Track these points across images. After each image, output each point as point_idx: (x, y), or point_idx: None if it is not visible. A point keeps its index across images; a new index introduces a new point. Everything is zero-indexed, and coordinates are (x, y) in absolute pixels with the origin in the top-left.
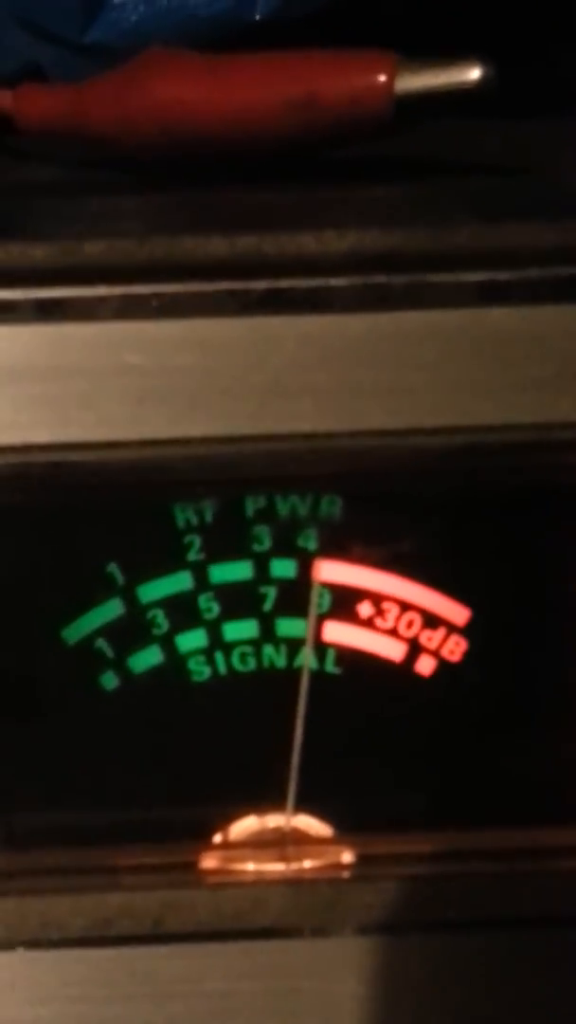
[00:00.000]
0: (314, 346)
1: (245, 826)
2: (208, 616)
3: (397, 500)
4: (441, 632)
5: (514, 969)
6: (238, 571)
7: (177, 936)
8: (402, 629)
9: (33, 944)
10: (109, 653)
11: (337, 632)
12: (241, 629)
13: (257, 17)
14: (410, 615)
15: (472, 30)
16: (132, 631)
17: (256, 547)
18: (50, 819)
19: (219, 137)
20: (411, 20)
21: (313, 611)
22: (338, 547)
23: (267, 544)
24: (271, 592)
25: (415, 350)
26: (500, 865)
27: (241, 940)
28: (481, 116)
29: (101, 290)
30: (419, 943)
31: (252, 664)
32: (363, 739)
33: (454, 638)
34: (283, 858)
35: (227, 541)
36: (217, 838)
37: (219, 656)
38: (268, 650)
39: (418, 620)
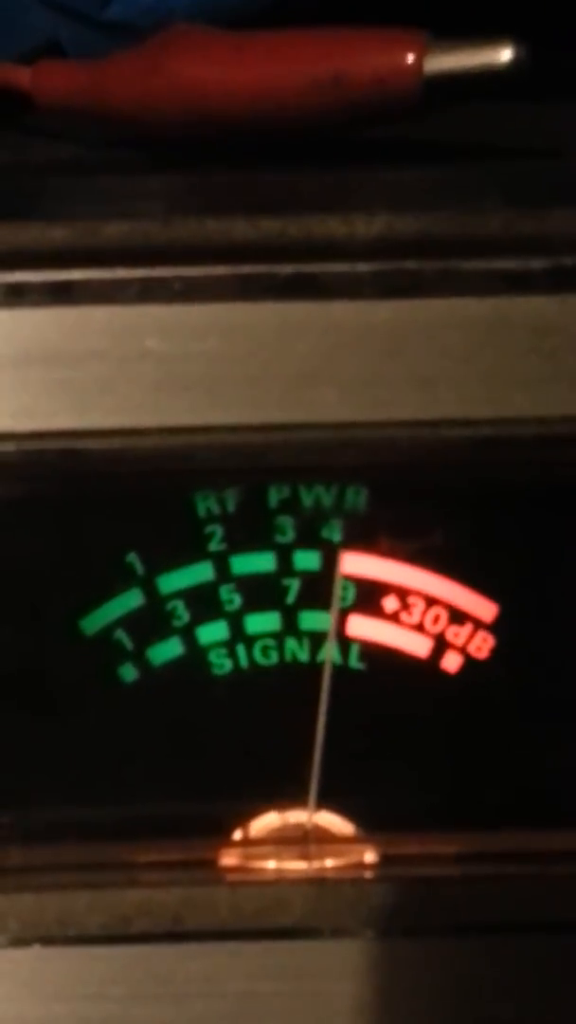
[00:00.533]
0: (341, 333)
1: (266, 823)
2: (229, 608)
3: (424, 492)
4: (468, 628)
5: (544, 973)
6: (261, 562)
7: (196, 935)
8: (428, 624)
9: (50, 941)
10: (128, 645)
11: (361, 626)
12: (263, 622)
13: None
14: (436, 610)
15: (503, 11)
16: (152, 622)
17: (279, 538)
18: (67, 814)
19: (242, 117)
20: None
21: (336, 604)
22: (363, 539)
23: (291, 535)
24: (294, 584)
25: (445, 338)
26: (528, 867)
27: (261, 940)
28: (513, 99)
29: (121, 273)
30: (443, 946)
31: (274, 657)
32: (387, 736)
33: (481, 634)
34: (305, 856)
35: (250, 532)
36: (237, 835)
37: (240, 649)
38: (291, 643)
39: (444, 615)
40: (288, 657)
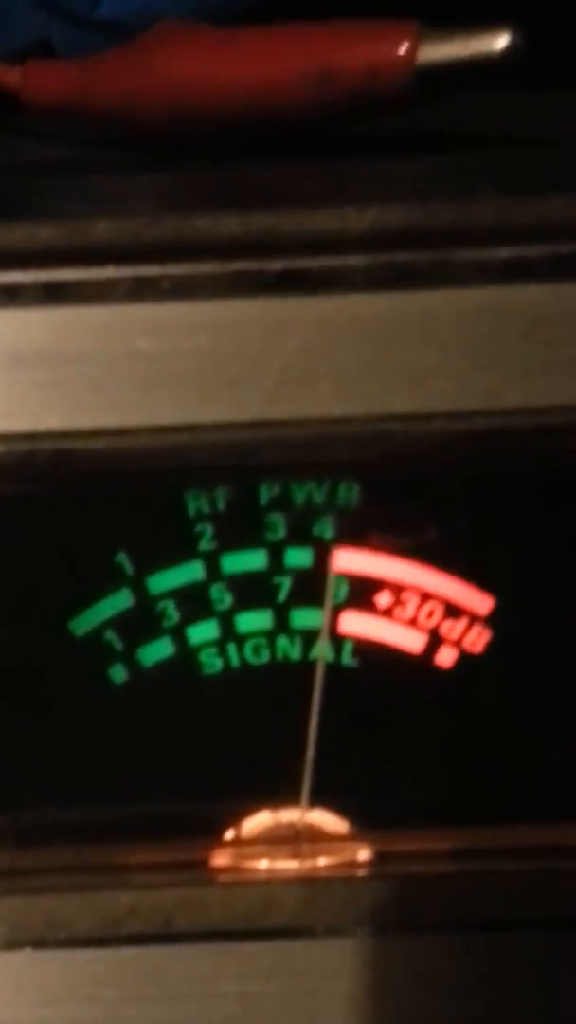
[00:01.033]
0: (332, 328)
1: (258, 822)
2: (220, 607)
3: (418, 487)
4: (463, 622)
5: (537, 970)
6: (251, 561)
7: (188, 936)
8: (422, 619)
9: (40, 944)
10: (118, 645)
11: (354, 623)
12: (254, 620)
13: None
14: (431, 605)
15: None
16: (142, 623)
17: (270, 536)
18: (58, 816)
19: (232, 113)
20: None
21: (329, 601)
22: (356, 535)
23: (282, 533)
24: (286, 582)
25: (439, 330)
26: (522, 863)
27: (254, 940)
28: (506, 89)
29: (110, 272)
30: (437, 943)
31: (266, 656)
32: (380, 733)
33: (476, 628)
34: (297, 855)
35: (240, 530)
36: (229, 835)
37: (232, 648)
38: (282, 642)
39: (439, 610)
40: (280, 656)
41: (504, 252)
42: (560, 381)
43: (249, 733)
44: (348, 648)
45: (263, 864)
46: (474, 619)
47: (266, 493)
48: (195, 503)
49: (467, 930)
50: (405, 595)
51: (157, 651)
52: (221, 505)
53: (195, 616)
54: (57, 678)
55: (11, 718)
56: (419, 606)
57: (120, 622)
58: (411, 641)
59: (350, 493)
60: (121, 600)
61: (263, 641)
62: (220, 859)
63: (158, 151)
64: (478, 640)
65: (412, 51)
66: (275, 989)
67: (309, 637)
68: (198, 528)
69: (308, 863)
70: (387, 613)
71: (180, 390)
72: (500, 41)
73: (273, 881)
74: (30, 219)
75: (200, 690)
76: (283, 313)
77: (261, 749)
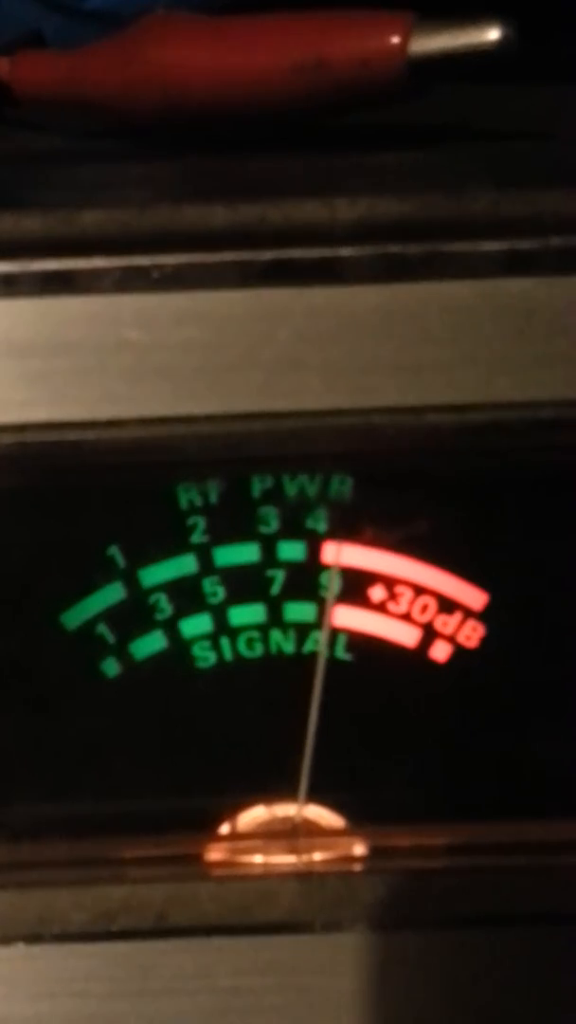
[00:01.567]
0: (323, 319)
1: (253, 816)
2: (213, 600)
3: (411, 480)
4: (457, 617)
5: (532, 966)
6: (244, 554)
7: (182, 931)
8: (416, 614)
9: (34, 939)
10: (110, 639)
11: (348, 617)
12: (248, 614)
13: None
14: (425, 599)
15: None
16: (134, 616)
17: (263, 529)
18: (51, 810)
19: (223, 103)
20: None
21: (325, 595)
22: (349, 529)
23: (274, 526)
24: (279, 575)
25: (431, 323)
26: (517, 859)
27: (249, 935)
28: (500, 82)
29: (99, 262)
30: (433, 939)
31: (259, 650)
32: (375, 727)
33: (471, 623)
34: (293, 850)
35: (233, 523)
36: (224, 829)
37: (225, 642)
38: (276, 635)
39: (433, 604)
40: (273, 649)
41: (495, 245)
42: (552, 374)
43: (243, 727)
44: (342, 642)
45: (258, 859)
46: (468, 614)
47: (259, 486)
48: (187, 496)
49: (463, 925)
50: (399, 589)
51: (150, 644)
52: (213, 498)
53: (188, 609)
54: (49, 672)
55: (3, 712)
56: (413, 600)
57: (112, 615)
58: (405, 635)
59: (343, 486)
60: (113, 593)
61: (256, 635)
62: (215, 854)
63: (149, 141)
64: (472, 635)
65: (404, 42)
66: (270, 984)
67: (303, 631)
68: (190, 521)
69: (304, 858)
70: (381, 607)
71: (170, 381)
72: (492, 33)
73: (268, 876)
74: (19, 209)
75: (193, 684)
76: (274, 304)
77: (255, 743)
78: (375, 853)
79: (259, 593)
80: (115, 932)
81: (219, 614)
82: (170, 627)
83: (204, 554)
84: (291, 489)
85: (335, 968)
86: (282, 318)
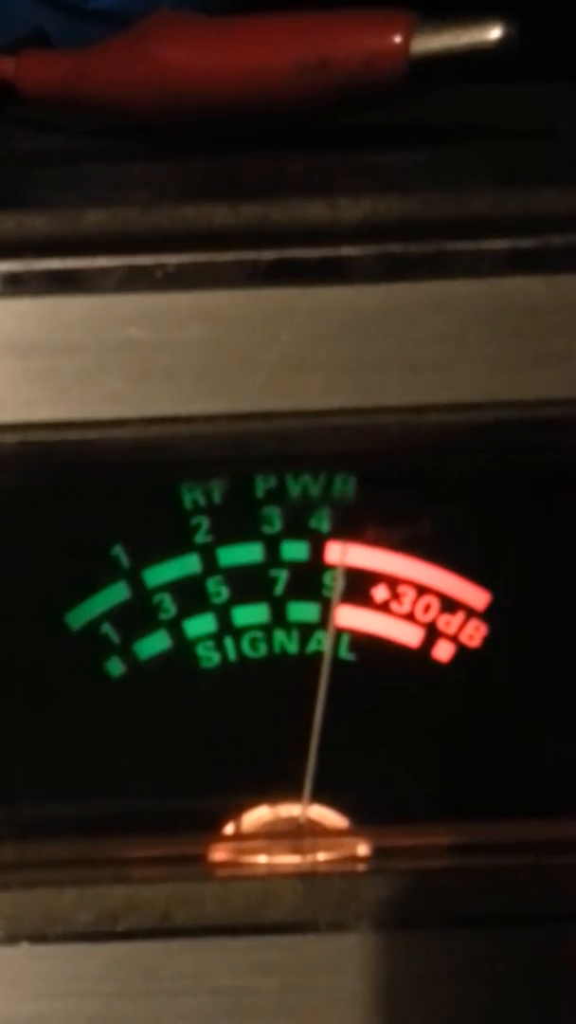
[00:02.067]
0: (326, 319)
1: (257, 817)
2: (217, 600)
3: (414, 480)
4: (460, 617)
5: (537, 965)
6: (248, 554)
7: (186, 931)
8: (419, 613)
9: (37, 938)
10: (115, 639)
11: (351, 617)
12: (251, 614)
13: None
14: (427, 599)
15: None
16: (138, 616)
17: (266, 529)
18: (55, 809)
19: (226, 102)
20: None
21: (328, 595)
22: (352, 529)
23: (278, 526)
24: (282, 575)
25: (434, 322)
26: (521, 858)
27: (252, 935)
28: (502, 81)
29: (102, 261)
30: (437, 938)
31: (263, 650)
32: (378, 727)
33: (473, 623)
34: (297, 850)
35: (236, 523)
36: (228, 829)
37: (228, 642)
38: (279, 635)
39: (436, 604)
40: (277, 649)
41: (498, 244)
42: (555, 373)
43: (247, 727)
44: (345, 642)
45: (262, 859)
46: (471, 613)
47: (262, 486)
48: (190, 495)
49: (467, 925)
50: (401, 589)
51: (154, 644)
52: (217, 498)
53: (192, 609)
54: (54, 671)
55: (7, 711)
56: (415, 600)
57: (116, 615)
58: (408, 635)
59: (346, 486)
60: (117, 593)
61: (260, 635)
62: (219, 854)
63: (152, 141)
64: (475, 634)
65: (406, 41)
66: (274, 984)
67: (306, 631)
68: (194, 521)
69: (308, 858)
70: (384, 607)
71: (173, 381)
72: (494, 32)
73: (272, 876)
74: (23, 208)
75: (197, 684)
76: (277, 304)
77: (259, 743)
78: (379, 853)
79: (263, 593)
80: (119, 932)
81: (223, 614)
82: (174, 627)
83: (208, 554)
84: (294, 489)
85: (339, 968)
86: (285, 318)
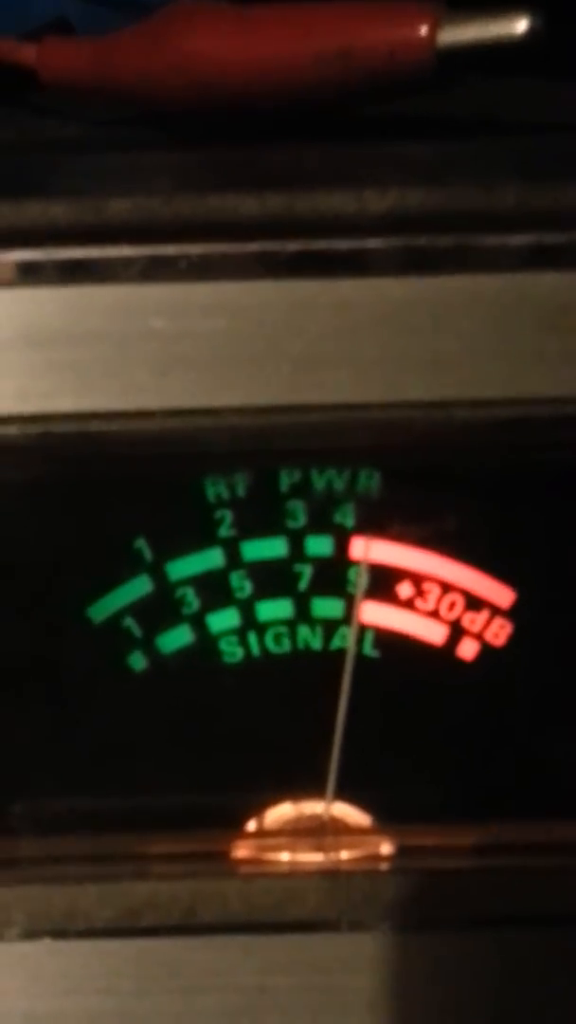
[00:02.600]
0: (351, 312)
1: (281, 814)
2: (240, 595)
3: (439, 475)
4: (484, 615)
5: (560, 966)
6: (272, 548)
7: (208, 928)
8: (444, 611)
9: (60, 934)
10: (137, 633)
11: (375, 613)
12: (275, 609)
13: None
14: (452, 596)
15: None
16: (161, 610)
17: (290, 523)
18: (77, 805)
19: (250, 92)
20: None
21: (352, 591)
22: (377, 524)
23: (302, 520)
24: (306, 571)
25: (459, 316)
26: (546, 859)
27: (275, 933)
28: (528, 73)
29: (126, 251)
30: (459, 939)
31: (287, 645)
32: (402, 725)
33: (498, 621)
34: (320, 848)
35: (260, 517)
36: (251, 826)
37: (252, 637)
38: (303, 631)
39: (460, 602)
40: (301, 645)
41: (524, 238)
42: None
43: (270, 723)
44: (370, 638)
45: (285, 856)
46: (496, 611)
47: (286, 480)
48: (214, 489)
49: (489, 925)
50: (426, 586)
51: (176, 639)
52: (241, 491)
53: (215, 604)
54: (76, 666)
55: (30, 706)
56: (440, 597)
57: (139, 609)
58: (432, 633)
59: (370, 481)
60: (140, 587)
61: (284, 630)
62: (241, 851)
63: (175, 130)
64: (500, 633)
65: (432, 33)
66: (296, 983)
67: (330, 627)
68: (217, 514)
69: (330, 856)
70: (408, 604)
71: (196, 372)
72: (520, 25)
73: (295, 874)
74: (45, 197)
75: (220, 679)
76: (301, 295)
77: (283, 740)
78: (402, 852)
79: (286, 588)
80: (141, 929)
81: (246, 609)
82: (197, 621)
83: (231, 548)
84: (319, 483)
85: (361, 967)
86: (309, 310)
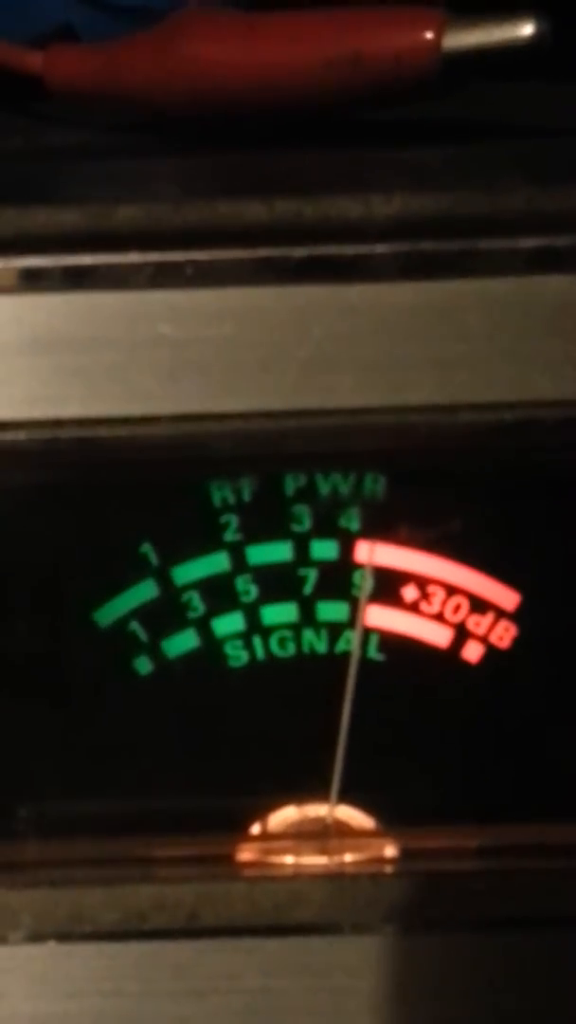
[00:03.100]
0: (357, 316)
1: (284, 817)
2: (246, 599)
3: (444, 479)
4: (489, 617)
5: (564, 968)
6: (277, 552)
7: (213, 931)
8: (448, 614)
9: (64, 937)
10: (143, 637)
11: (380, 617)
12: (280, 613)
13: None
14: (457, 599)
15: None
16: (167, 614)
17: (296, 527)
18: (82, 808)
19: (256, 98)
20: None
21: (357, 595)
22: (382, 528)
23: (307, 524)
24: (311, 575)
25: (465, 320)
26: (550, 861)
27: (279, 936)
28: (534, 77)
29: (133, 257)
30: (464, 941)
31: (291, 649)
32: (407, 728)
33: (503, 623)
34: (324, 851)
35: (265, 521)
36: (255, 829)
37: (257, 641)
38: (308, 635)
39: (465, 604)
40: (306, 649)
41: (531, 242)
42: None
43: (275, 727)
44: (374, 642)
45: (289, 859)
46: (500, 614)
47: (292, 484)
48: (220, 493)
49: (493, 928)
50: (431, 589)
51: (182, 643)
52: (246, 496)
53: (220, 608)
54: (82, 669)
55: (36, 709)
56: (445, 600)
57: (145, 613)
58: (437, 636)
59: (376, 485)
60: (146, 591)
61: (289, 634)
62: (246, 854)
63: (181, 136)
64: (505, 635)
65: (438, 38)
66: (300, 986)
67: (335, 630)
68: (223, 519)
69: (334, 859)
70: (413, 607)
71: (203, 378)
72: (525, 29)
73: (299, 877)
74: (53, 203)
75: (225, 683)
76: (308, 301)
77: (287, 743)
78: (406, 855)
79: (292, 592)
80: (146, 931)
81: (251, 613)
82: (202, 625)
83: (237, 552)
84: (324, 487)
85: (365, 970)
86: (316, 315)
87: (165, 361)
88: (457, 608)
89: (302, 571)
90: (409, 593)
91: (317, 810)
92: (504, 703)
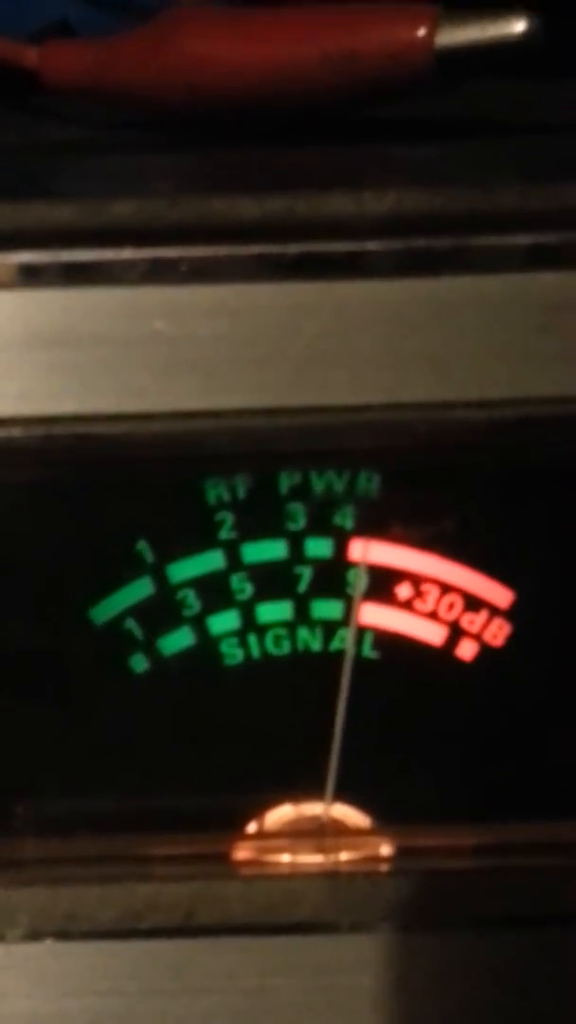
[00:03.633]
0: (351, 313)
1: (281, 815)
2: (241, 597)
3: (438, 476)
4: (483, 615)
5: (562, 967)
6: (272, 550)
7: (209, 929)
8: (443, 612)
9: (61, 935)
10: (138, 634)
11: (375, 615)
12: (275, 611)
13: None
14: (451, 597)
15: None
16: (162, 612)
17: (290, 525)
18: (78, 806)
19: (250, 95)
20: None
21: (351, 592)
22: (376, 526)
23: (302, 522)
24: (306, 572)
25: (459, 317)
26: (546, 859)
27: (275, 934)
28: (527, 74)
29: (128, 253)
30: (460, 939)
31: (286, 647)
32: (402, 726)
33: (497, 621)
34: (320, 849)
35: (260, 519)
36: (251, 828)
37: (252, 638)
38: (303, 633)
39: (459, 602)
40: (300, 647)
41: (524, 238)
42: None
43: (270, 725)
44: (369, 640)
45: (285, 858)
46: (494, 612)
47: (286, 482)
48: (215, 491)
49: (489, 926)
50: (425, 587)
51: (178, 640)
52: (241, 493)
53: (215, 606)
54: (77, 667)
55: (31, 707)
56: (439, 598)
57: (140, 611)
58: (431, 634)
59: (370, 483)
60: (141, 588)
61: (284, 632)
62: (242, 852)
63: (176, 133)
64: (499, 633)
65: (431, 34)
66: (296, 984)
67: (330, 628)
68: (218, 517)
69: (331, 857)
70: (407, 605)
71: (198, 375)
72: (518, 26)
73: (296, 875)
74: (48, 199)
75: (221, 681)
76: (301, 298)
77: (283, 741)
78: (402, 853)
79: (286, 590)
80: (142, 930)
81: (247, 611)
82: (198, 623)
83: (232, 550)
84: (319, 485)
85: (361, 968)
86: (310, 312)
87: (159, 357)
88: (451, 606)
89: (297, 569)
90: (403, 591)
91: (313, 808)
92: (499, 701)
